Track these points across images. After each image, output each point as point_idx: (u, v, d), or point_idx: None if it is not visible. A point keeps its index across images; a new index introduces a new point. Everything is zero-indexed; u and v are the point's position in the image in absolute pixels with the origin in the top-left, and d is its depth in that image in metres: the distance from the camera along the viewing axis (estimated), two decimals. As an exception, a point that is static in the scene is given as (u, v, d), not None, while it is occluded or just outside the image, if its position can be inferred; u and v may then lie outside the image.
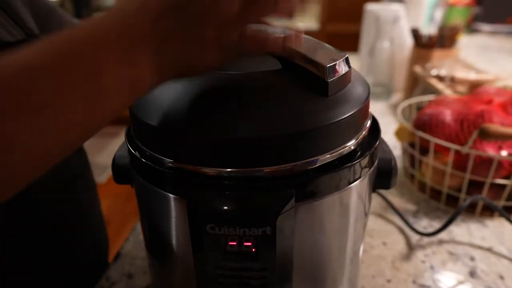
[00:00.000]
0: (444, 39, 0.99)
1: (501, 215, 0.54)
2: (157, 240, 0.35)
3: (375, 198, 0.63)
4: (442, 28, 1.02)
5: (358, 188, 0.30)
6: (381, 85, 1.11)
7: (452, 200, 0.60)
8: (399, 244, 0.53)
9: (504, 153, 0.53)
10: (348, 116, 0.28)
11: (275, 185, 0.26)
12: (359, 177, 0.30)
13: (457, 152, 0.55)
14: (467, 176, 0.55)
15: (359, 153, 0.30)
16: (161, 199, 0.30)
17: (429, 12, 1.54)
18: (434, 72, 0.88)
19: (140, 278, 0.49)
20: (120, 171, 0.34)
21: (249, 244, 0.28)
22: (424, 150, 0.60)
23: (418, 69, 0.97)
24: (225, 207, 0.27)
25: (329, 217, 0.30)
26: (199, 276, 0.30)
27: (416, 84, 1.00)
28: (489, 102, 0.56)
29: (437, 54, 0.99)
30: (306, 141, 0.27)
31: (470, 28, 1.83)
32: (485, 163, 0.53)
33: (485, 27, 1.87)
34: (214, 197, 0.27)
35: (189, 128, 0.27)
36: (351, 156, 0.30)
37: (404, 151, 0.68)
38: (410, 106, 0.74)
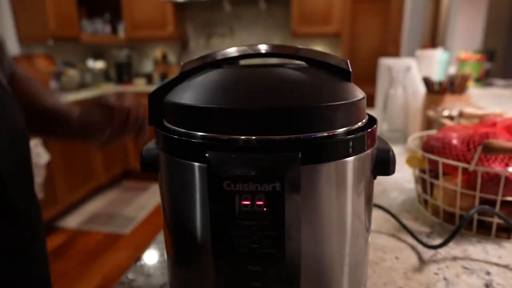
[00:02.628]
0: (454, 86, 1.05)
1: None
2: (179, 216, 0.38)
3: (389, 220, 0.64)
4: (452, 77, 1.08)
5: (356, 161, 0.34)
6: (397, 131, 1.16)
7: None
8: (412, 259, 0.54)
9: (511, 169, 0.55)
10: (360, 99, 0.36)
11: (285, 148, 0.31)
12: (358, 152, 0.34)
13: (465, 171, 0.57)
14: (477, 194, 0.56)
15: (359, 131, 0.35)
16: (185, 170, 0.35)
17: (443, 68, 1.62)
18: (445, 112, 0.93)
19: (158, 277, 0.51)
20: (147, 161, 0.40)
21: (261, 203, 0.31)
22: (435, 175, 0.63)
23: (431, 112, 1.01)
24: (242, 165, 0.31)
25: (330, 183, 0.33)
26: (215, 237, 0.34)
27: (430, 128, 1.04)
28: (494, 125, 0.60)
29: (449, 99, 1.04)
30: (322, 115, 0.33)
31: (483, 82, 1.89)
32: (493, 180, 0.55)
33: (499, 82, 1.93)
34: (233, 157, 0.32)
35: (224, 101, 0.33)
36: (351, 133, 0.34)
37: (417, 178, 0.70)
38: (421, 138, 0.77)
